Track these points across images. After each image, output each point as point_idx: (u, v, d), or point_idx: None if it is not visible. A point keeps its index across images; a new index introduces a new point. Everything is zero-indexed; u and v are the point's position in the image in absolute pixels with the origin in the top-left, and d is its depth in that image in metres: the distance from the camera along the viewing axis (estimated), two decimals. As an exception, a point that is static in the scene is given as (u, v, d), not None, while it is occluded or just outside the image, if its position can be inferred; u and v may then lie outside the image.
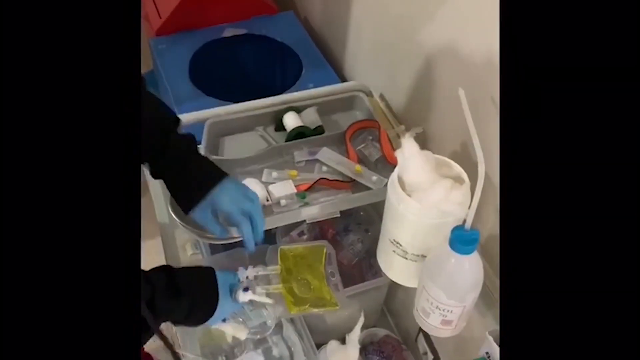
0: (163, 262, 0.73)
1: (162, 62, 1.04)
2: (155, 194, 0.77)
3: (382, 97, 0.89)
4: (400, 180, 0.58)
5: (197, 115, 0.80)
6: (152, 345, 1.21)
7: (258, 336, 0.77)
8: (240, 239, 0.84)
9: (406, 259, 0.60)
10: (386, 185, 0.66)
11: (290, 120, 0.82)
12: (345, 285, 0.90)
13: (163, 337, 0.55)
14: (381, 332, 0.99)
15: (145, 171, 0.68)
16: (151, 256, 0.65)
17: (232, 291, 0.65)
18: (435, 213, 0.55)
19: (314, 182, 0.74)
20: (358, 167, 0.76)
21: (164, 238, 0.74)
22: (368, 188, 0.74)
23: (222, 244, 0.99)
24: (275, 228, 0.94)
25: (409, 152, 0.56)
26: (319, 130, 0.82)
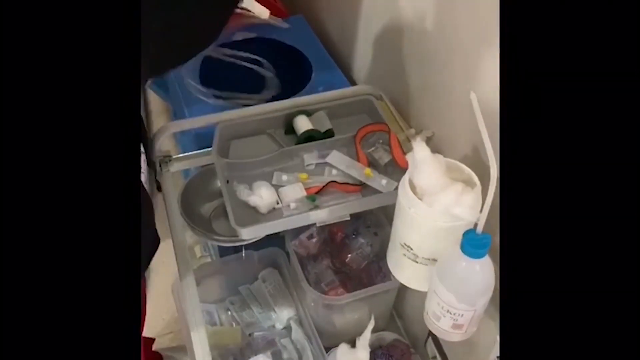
0: (173, 265, 0.74)
1: (173, 65, 1.05)
2: (167, 195, 0.78)
3: (392, 100, 0.89)
4: (411, 184, 0.58)
5: (209, 119, 0.81)
6: (161, 344, 1.21)
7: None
8: (247, 242, 0.84)
9: (417, 262, 0.60)
10: (396, 188, 0.66)
11: (301, 124, 0.82)
12: (354, 288, 0.90)
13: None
14: (390, 336, 0.99)
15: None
16: (160, 258, 0.65)
17: None
18: (446, 217, 0.55)
19: (324, 185, 0.74)
20: (368, 170, 0.76)
21: (174, 240, 0.75)
22: (378, 191, 0.74)
23: (231, 247, 1.00)
24: (285, 231, 0.95)
25: (420, 156, 0.56)
26: (329, 134, 0.82)
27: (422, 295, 0.62)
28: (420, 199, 0.56)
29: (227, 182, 0.74)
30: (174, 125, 0.80)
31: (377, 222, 0.96)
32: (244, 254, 1.03)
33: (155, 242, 0.63)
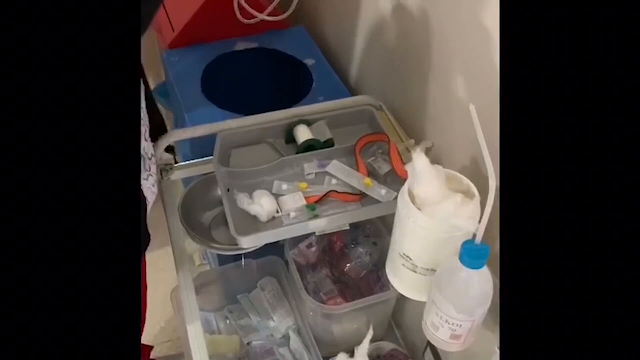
0: (170, 272, 0.74)
1: (175, 74, 1.06)
2: (167, 203, 0.78)
3: (391, 110, 0.90)
4: (410, 194, 0.58)
5: (210, 128, 0.82)
6: (159, 352, 1.21)
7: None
8: (246, 250, 0.84)
9: (415, 272, 0.61)
10: (395, 198, 0.66)
11: (301, 133, 0.83)
12: (353, 298, 0.90)
13: None
14: (388, 345, 0.99)
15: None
16: (158, 265, 0.65)
17: None
18: (445, 227, 0.55)
19: (324, 195, 0.74)
20: (367, 180, 0.76)
21: (174, 248, 0.75)
22: (377, 201, 0.75)
23: (230, 255, 1.00)
24: (284, 239, 0.95)
25: (419, 166, 0.57)
26: (329, 143, 0.83)
27: (421, 305, 0.62)
28: (420, 209, 0.57)
29: (228, 190, 0.75)
30: (176, 133, 0.80)
31: (376, 231, 0.96)
32: (243, 263, 1.03)
33: (146, 239, 0.64)
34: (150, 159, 0.70)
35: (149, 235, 0.64)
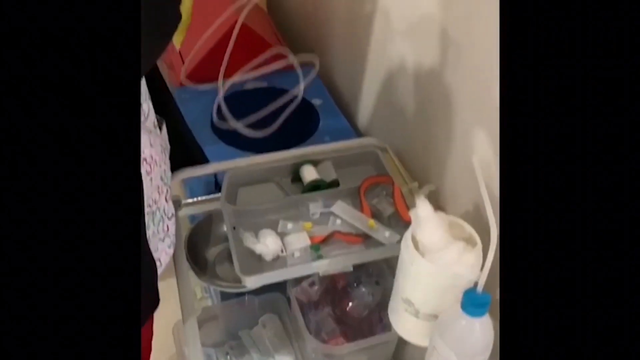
0: (170, 306, 0.74)
1: (185, 111, 1.08)
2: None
3: (396, 153, 0.92)
4: (414, 239, 0.59)
5: (218, 166, 0.84)
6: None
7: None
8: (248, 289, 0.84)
9: (417, 317, 0.61)
10: (399, 241, 0.67)
11: (307, 173, 0.84)
12: (354, 338, 0.90)
13: None
14: (389, 387, 0.98)
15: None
16: (161, 295, 0.66)
17: None
18: (447, 274, 0.56)
19: (328, 235, 0.76)
20: (372, 221, 0.78)
21: (179, 284, 0.75)
22: (381, 243, 0.76)
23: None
24: (288, 278, 0.96)
25: (423, 213, 0.58)
26: (334, 184, 0.84)
27: (421, 348, 0.63)
28: (423, 256, 0.58)
29: (234, 228, 0.76)
30: (186, 172, 0.82)
31: (379, 271, 0.96)
32: (247, 299, 1.03)
33: (155, 300, 0.63)
34: (170, 219, 0.69)
35: (158, 297, 0.64)
